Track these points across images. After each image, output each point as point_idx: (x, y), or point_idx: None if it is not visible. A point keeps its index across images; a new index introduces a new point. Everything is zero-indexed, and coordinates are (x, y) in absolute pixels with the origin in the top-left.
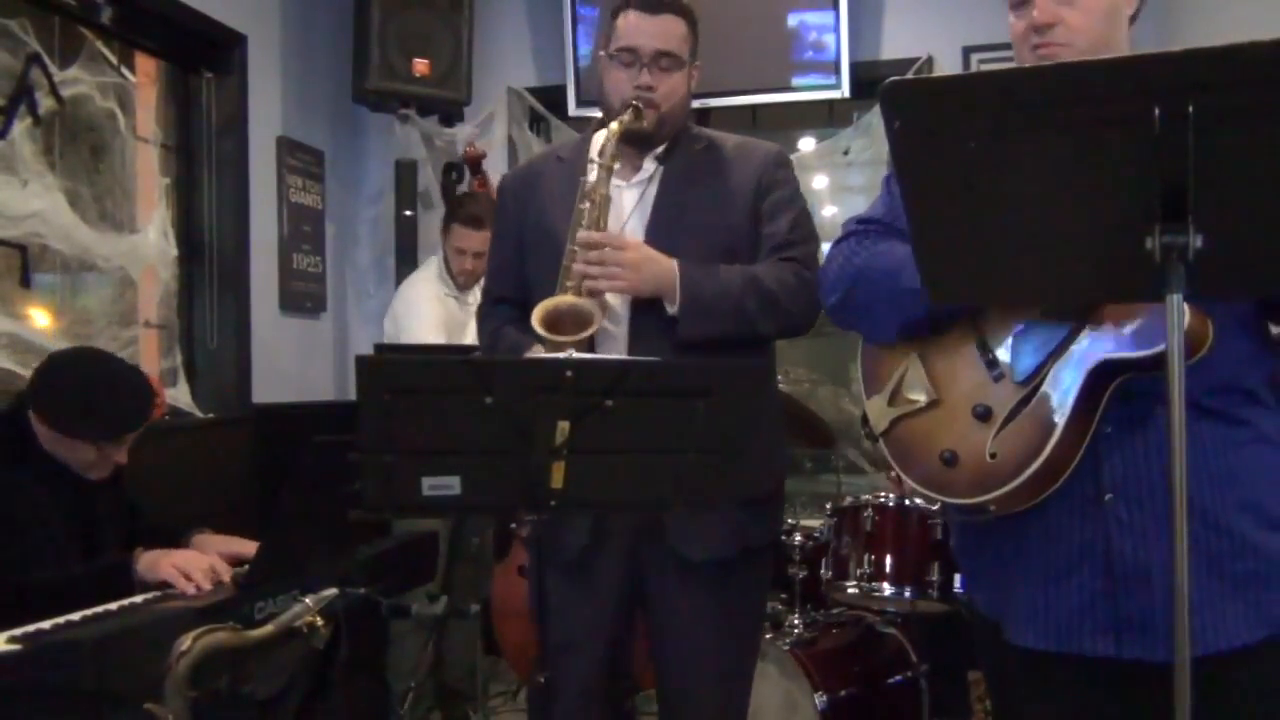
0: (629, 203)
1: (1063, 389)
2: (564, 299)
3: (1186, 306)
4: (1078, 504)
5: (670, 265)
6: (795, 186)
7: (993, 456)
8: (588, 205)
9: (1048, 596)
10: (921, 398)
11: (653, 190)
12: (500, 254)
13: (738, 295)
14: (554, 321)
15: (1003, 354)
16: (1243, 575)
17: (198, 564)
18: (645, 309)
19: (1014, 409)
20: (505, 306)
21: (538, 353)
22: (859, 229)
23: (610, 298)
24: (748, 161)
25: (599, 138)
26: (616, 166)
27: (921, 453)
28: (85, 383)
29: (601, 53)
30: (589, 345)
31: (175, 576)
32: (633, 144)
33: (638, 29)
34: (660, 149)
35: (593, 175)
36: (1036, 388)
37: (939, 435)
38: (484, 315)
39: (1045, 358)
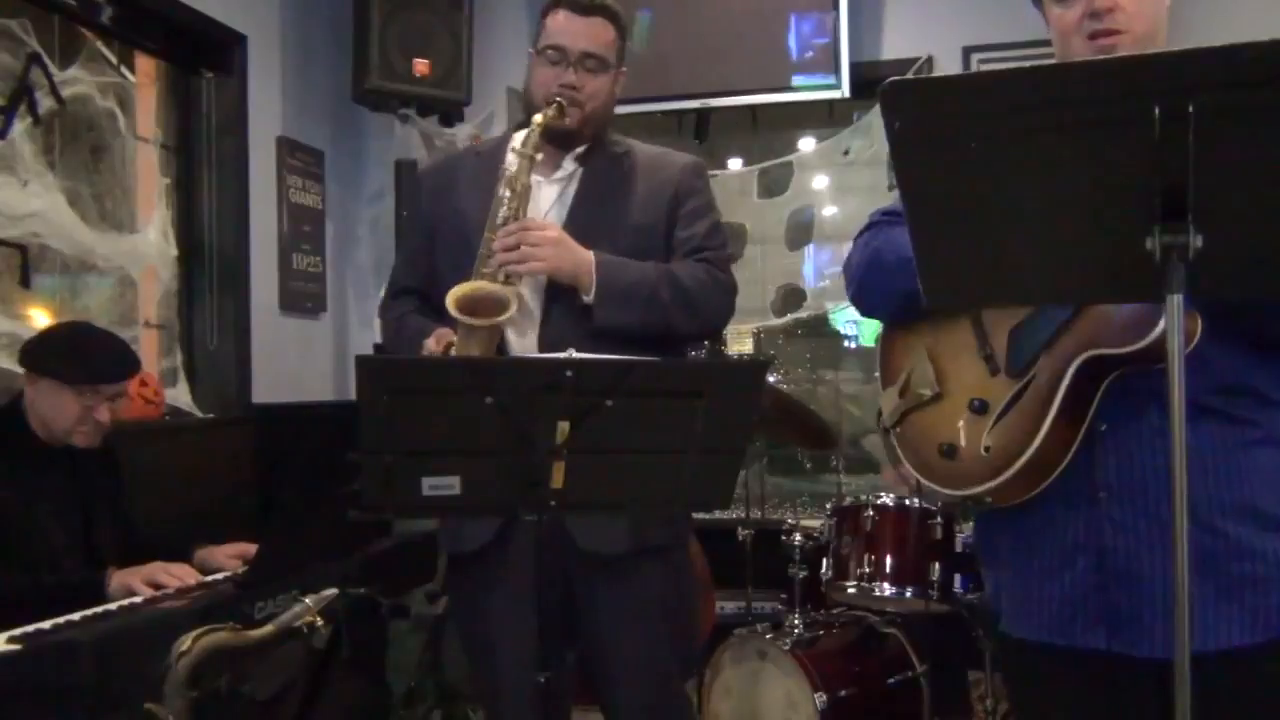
0: (547, 199)
1: (1052, 384)
2: (480, 284)
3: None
4: (1074, 500)
5: (587, 253)
6: (711, 198)
7: (987, 450)
8: (508, 193)
9: (1042, 590)
10: (927, 391)
11: (572, 189)
12: (410, 245)
13: (652, 286)
14: (469, 307)
15: (999, 348)
16: (1240, 578)
17: (166, 572)
18: (557, 296)
19: (1008, 403)
20: (408, 297)
21: (444, 337)
22: (882, 219)
23: (523, 288)
24: (666, 169)
25: (520, 134)
26: (538, 158)
27: (924, 445)
28: (71, 332)
29: (530, 50)
30: (501, 332)
31: (145, 591)
32: (554, 142)
33: (567, 28)
34: (580, 150)
35: (514, 164)
36: (1029, 382)
37: (940, 428)
38: (385, 308)
39: (1037, 351)
